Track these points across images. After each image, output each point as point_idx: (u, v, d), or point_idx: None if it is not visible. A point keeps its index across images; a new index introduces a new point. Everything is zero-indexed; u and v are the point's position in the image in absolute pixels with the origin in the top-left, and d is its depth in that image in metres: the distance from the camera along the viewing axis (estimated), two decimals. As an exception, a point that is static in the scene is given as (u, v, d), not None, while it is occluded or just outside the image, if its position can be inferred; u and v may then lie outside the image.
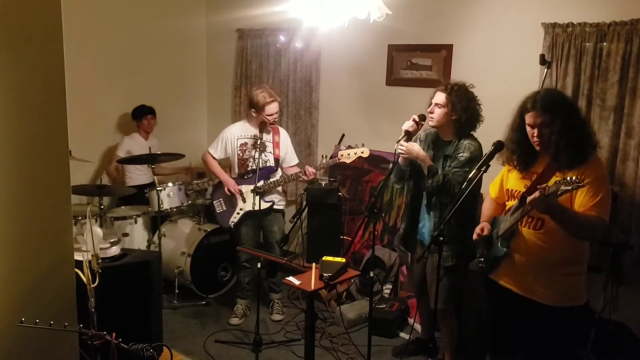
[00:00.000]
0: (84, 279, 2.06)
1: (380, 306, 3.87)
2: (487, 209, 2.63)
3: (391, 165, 3.04)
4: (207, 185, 4.41)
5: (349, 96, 4.56)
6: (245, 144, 3.85)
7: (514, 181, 2.42)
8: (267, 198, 3.81)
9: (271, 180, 3.79)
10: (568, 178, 1.92)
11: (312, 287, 2.54)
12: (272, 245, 3.90)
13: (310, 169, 3.70)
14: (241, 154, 3.85)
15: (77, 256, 2.28)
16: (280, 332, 3.77)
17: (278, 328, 3.82)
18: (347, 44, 4.41)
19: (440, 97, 2.88)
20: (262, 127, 3.73)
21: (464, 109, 2.81)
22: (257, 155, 3.74)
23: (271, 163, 3.83)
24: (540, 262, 2.27)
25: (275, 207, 3.87)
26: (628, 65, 3.13)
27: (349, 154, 3.61)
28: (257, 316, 3.18)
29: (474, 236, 2.47)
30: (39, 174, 2.08)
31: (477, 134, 2.93)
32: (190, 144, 5.02)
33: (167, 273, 4.09)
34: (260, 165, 3.72)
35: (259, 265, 3.25)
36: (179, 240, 4.30)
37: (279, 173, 3.90)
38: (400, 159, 2.97)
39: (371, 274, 2.88)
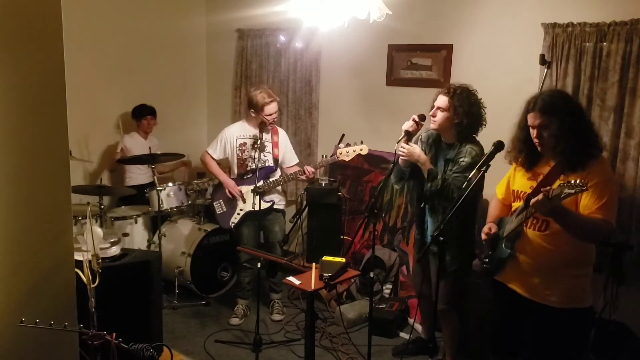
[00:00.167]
0: (84, 279, 2.06)
1: (380, 306, 3.87)
2: (493, 209, 2.62)
3: (391, 165, 3.04)
4: (207, 185, 4.41)
5: (349, 96, 4.56)
6: (245, 144, 3.85)
7: (521, 182, 2.41)
8: (267, 198, 3.81)
9: (270, 180, 3.79)
10: (572, 181, 1.92)
11: (312, 287, 2.54)
12: (274, 245, 3.90)
13: (309, 168, 3.70)
14: (240, 154, 3.85)
15: (77, 256, 2.28)
16: (280, 332, 3.77)
17: (278, 328, 3.82)
18: (347, 44, 4.41)
19: (442, 100, 2.86)
20: (262, 127, 3.73)
21: (466, 113, 2.79)
22: (256, 155, 3.74)
23: (270, 163, 3.83)
24: (545, 264, 2.27)
25: (275, 207, 3.87)
26: (628, 65, 3.13)
27: (347, 152, 3.61)
28: (257, 316, 3.17)
29: (483, 236, 2.46)
30: (39, 174, 2.08)
31: (477, 135, 2.93)
32: (190, 144, 5.03)
33: (167, 273, 4.09)
34: (260, 166, 3.72)
35: (259, 265, 3.25)
36: (179, 240, 4.30)
37: (278, 173, 3.90)
38: (400, 160, 2.96)
39: (371, 274, 2.88)
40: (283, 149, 3.91)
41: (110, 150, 4.79)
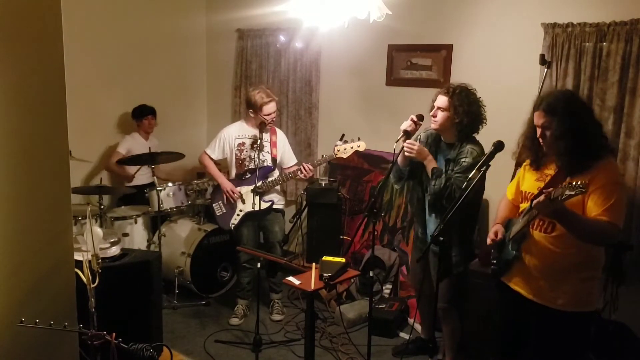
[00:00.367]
0: (84, 279, 2.05)
1: (380, 306, 3.87)
2: (502, 209, 2.59)
3: (390, 165, 3.04)
4: (207, 185, 4.41)
5: (349, 96, 4.56)
6: (243, 143, 3.85)
7: (529, 183, 2.39)
8: (266, 197, 3.81)
9: (269, 179, 3.79)
10: (573, 183, 1.90)
11: (312, 287, 2.54)
12: (274, 245, 3.90)
13: (307, 166, 3.70)
14: (239, 154, 3.86)
15: (77, 256, 2.27)
16: (280, 332, 3.77)
17: (278, 328, 3.82)
18: (347, 44, 4.41)
19: (442, 100, 2.86)
20: (262, 127, 3.73)
21: (466, 112, 2.79)
22: (255, 155, 3.74)
23: (268, 163, 3.83)
24: (551, 266, 2.24)
25: (274, 206, 3.87)
26: (628, 65, 3.13)
27: (345, 149, 3.61)
28: (257, 316, 3.17)
29: (488, 241, 2.44)
30: (39, 174, 2.08)
31: (478, 134, 2.93)
32: (190, 144, 5.02)
33: (167, 273, 4.09)
34: (259, 165, 3.72)
35: (258, 265, 3.24)
36: (179, 240, 4.30)
37: (276, 173, 3.90)
38: (399, 159, 2.96)
39: (371, 274, 2.88)
40: (281, 149, 3.91)
41: (110, 150, 4.78)
